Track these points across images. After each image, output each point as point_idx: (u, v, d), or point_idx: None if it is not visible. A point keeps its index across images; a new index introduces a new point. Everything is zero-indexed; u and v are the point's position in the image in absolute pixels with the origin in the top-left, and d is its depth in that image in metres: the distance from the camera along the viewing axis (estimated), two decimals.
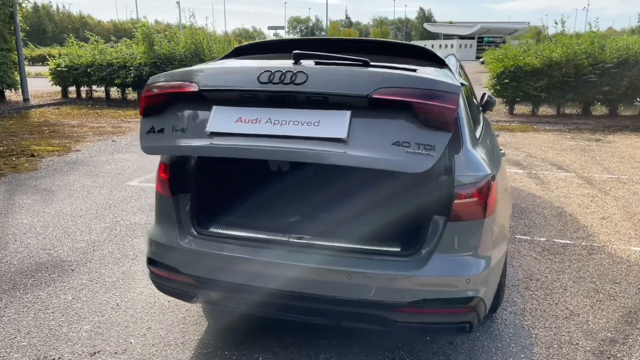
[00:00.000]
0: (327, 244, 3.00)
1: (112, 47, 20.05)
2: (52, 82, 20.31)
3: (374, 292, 2.77)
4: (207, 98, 2.86)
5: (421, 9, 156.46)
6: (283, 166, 4.06)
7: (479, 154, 2.99)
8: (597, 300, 4.07)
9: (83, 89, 20.53)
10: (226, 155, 2.82)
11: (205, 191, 3.35)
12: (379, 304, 2.77)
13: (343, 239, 3.03)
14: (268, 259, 2.94)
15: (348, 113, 2.64)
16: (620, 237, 5.49)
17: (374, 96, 2.56)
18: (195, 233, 3.17)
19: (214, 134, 2.78)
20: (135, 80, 18.02)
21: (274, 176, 4.05)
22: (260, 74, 2.74)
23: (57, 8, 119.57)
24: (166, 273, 3.17)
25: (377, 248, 2.94)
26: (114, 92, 20.18)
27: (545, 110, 16.40)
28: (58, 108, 17.63)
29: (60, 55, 20.94)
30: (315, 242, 3.02)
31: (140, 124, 3.02)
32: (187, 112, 2.93)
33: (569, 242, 5.38)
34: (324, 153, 2.59)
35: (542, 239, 5.44)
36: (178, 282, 3.13)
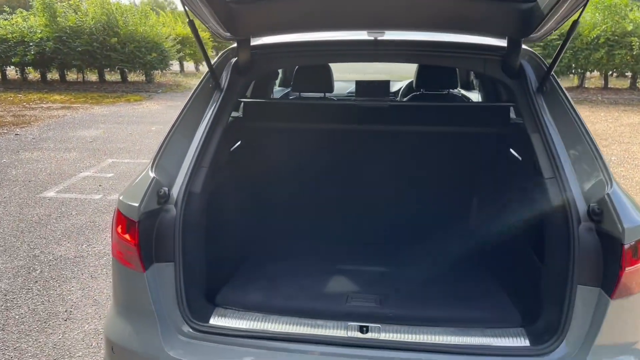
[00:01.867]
0: (412, 339, 1.90)
1: (5, 19, 17.18)
2: None
3: None
4: None
5: None
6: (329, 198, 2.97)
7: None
8: None
9: None
10: None
11: (200, 255, 2.12)
12: None
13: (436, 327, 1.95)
14: None
15: None
16: None
17: None
18: (190, 330, 1.95)
19: None
20: (37, 58, 15.60)
21: (319, 216, 2.92)
22: None
23: None
24: None
25: (493, 344, 1.89)
26: (12, 71, 17.40)
27: None
28: None
29: None
30: (391, 338, 1.91)
31: None
32: None
33: None
34: None
35: None
36: None
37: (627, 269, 1.77)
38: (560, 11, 2.00)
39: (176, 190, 2.10)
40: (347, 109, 3.28)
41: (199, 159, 2.21)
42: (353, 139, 3.16)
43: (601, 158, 2.02)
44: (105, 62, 16.72)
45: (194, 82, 16.88)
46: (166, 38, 18.20)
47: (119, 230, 2.02)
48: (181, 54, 20.73)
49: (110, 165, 7.44)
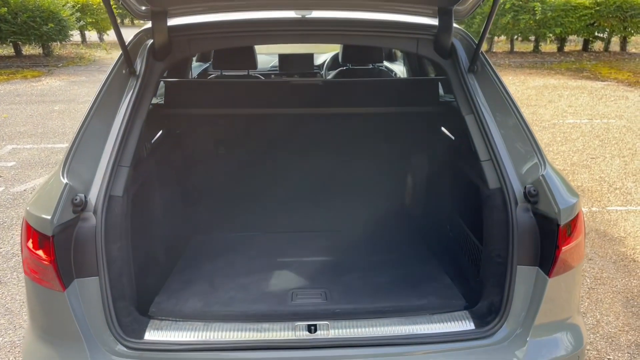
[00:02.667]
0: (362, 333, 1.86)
1: None
2: None
3: None
4: None
5: None
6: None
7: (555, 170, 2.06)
8: None
9: None
10: None
11: (127, 264, 1.93)
12: None
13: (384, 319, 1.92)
14: None
15: None
16: None
17: None
18: (124, 348, 1.78)
19: None
20: None
21: (253, 204, 2.77)
22: None
23: None
24: None
25: (439, 331, 1.90)
26: None
27: None
28: None
29: None
30: (340, 335, 1.86)
31: None
32: None
33: None
34: None
35: None
36: None
37: (563, 248, 1.82)
38: None
39: (94, 195, 1.88)
40: (278, 89, 3.13)
41: (117, 158, 1.98)
42: (286, 120, 3.03)
43: (534, 139, 2.05)
44: None
45: (98, 54, 15.61)
46: (63, 6, 16.61)
47: (30, 245, 1.78)
48: (82, 22, 19.08)
49: (10, 153, 6.74)
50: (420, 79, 3.63)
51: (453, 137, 2.71)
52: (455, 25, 2.40)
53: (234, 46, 2.55)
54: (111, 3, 2.04)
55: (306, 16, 2.42)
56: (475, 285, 2.19)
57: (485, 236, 2.06)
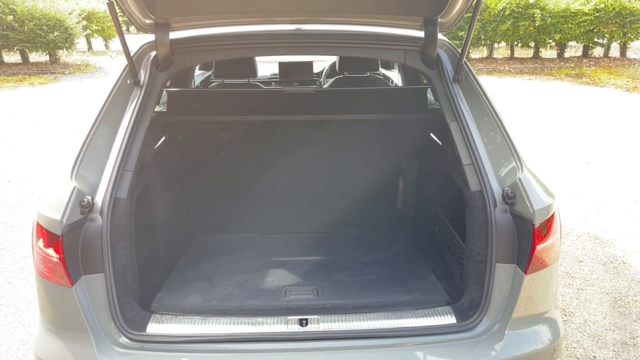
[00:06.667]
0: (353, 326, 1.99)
1: None
2: None
3: None
4: None
5: None
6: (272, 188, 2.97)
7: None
8: None
9: None
10: None
11: (131, 262, 2.06)
12: None
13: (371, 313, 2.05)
14: None
15: None
16: None
17: None
18: (127, 340, 1.91)
19: None
20: None
21: (251, 207, 2.90)
22: None
23: None
24: None
25: (423, 324, 2.02)
26: None
27: None
28: None
29: None
30: (330, 328, 1.98)
31: None
32: None
33: None
34: None
35: None
36: None
37: (538, 246, 1.95)
38: None
39: (100, 197, 2.02)
40: (274, 97, 3.27)
41: (122, 163, 2.12)
42: (282, 127, 3.16)
43: (512, 144, 2.18)
44: (3, 43, 15.26)
45: (104, 61, 15.78)
46: (70, 14, 16.85)
47: (41, 244, 1.92)
48: (88, 30, 19.35)
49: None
50: (409, 88, 3.76)
51: (440, 143, 2.84)
52: (440, 36, 2.53)
53: (233, 58, 2.70)
54: (118, 17, 2.18)
55: (301, 29, 2.56)
56: (459, 283, 2.31)
57: (467, 236, 2.19)
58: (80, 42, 18.33)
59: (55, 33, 15.61)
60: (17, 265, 4.12)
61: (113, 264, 1.96)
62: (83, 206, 1.92)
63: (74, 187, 1.92)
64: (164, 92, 2.96)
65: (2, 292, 3.73)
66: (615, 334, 3.27)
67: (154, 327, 2.00)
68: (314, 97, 3.03)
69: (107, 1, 2.10)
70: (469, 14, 2.38)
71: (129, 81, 2.39)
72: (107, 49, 20.76)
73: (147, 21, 2.41)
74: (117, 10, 2.19)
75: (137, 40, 2.62)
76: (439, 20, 2.45)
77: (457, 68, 2.42)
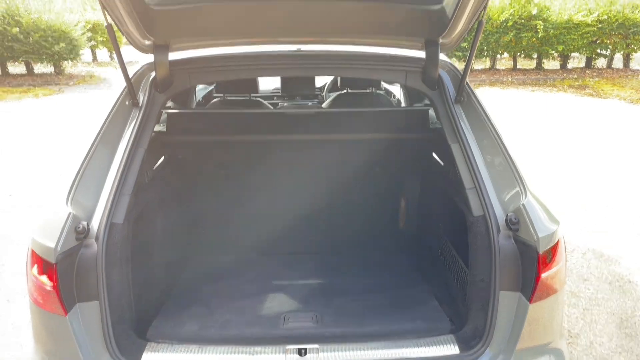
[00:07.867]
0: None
1: None
2: None
3: None
4: None
5: None
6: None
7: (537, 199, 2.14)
8: None
9: None
10: None
11: (126, 288, 2.03)
12: None
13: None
14: None
15: None
16: None
17: None
18: None
19: None
20: None
21: (250, 228, 2.86)
22: None
23: None
24: None
25: (425, 355, 1.97)
26: None
27: None
28: None
29: None
30: (329, 358, 1.94)
31: None
32: None
33: None
34: None
35: None
36: None
37: (542, 274, 1.90)
38: (466, 11, 2.10)
39: (96, 222, 1.98)
40: (274, 117, 3.25)
41: (119, 187, 2.09)
42: (282, 147, 3.14)
43: (516, 168, 2.14)
44: (8, 54, 15.35)
45: (109, 73, 15.84)
46: (75, 26, 16.96)
47: (35, 271, 1.88)
48: (92, 42, 19.46)
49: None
50: (410, 109, 3.74)
51: (442, 164, 2.80)
52: (442, 57, 2.50)
53: (232, 79, 2.68)
54: (116, 39, 2.17)
55: (302, 49, 2.54)
56: (462, 309, 2.26)
57: (470, 261, 2.14)
58: (85, 53, 18.42)
59: (61, 44, 15.70)
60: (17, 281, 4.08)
61: (108, 291, 1.92)
62: (78, 232, 1.88)
63: (69, 213, 1.89)
64: (164, 112, 2.94)
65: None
66: (622, 357, 3.20)
67: (150, 357, 1.95)
68: (314, 117, 3.01)
69: (106, 24, 2.08)
70: (471, 35, 2.35)
71: (127, 102, 2.36)
72: (111, 60, 20.86)
73: (147, 42, 2.39)
74: (116, 31, 2.17)
75: (137, 55, 2.60)
76: (441, 41, 2.42)
77: (459, 89, 2.39)
